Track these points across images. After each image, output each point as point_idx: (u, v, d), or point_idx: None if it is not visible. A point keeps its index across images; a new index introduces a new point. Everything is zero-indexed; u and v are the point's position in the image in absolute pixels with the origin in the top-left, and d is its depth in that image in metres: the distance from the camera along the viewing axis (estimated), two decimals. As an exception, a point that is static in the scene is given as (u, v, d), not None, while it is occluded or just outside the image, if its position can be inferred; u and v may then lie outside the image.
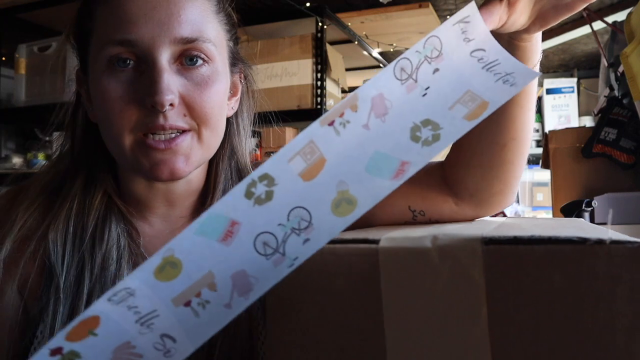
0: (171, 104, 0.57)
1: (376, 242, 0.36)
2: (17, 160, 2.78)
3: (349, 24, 2.92)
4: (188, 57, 0.60)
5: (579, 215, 1.93)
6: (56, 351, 0.35)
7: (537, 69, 0.56)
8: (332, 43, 2.73)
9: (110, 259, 0.63)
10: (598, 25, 2.83)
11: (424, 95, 0.39)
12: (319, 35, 2.38)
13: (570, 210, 1.97)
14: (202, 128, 0.61)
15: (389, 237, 0.36)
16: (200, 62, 0.60)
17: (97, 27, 0.60)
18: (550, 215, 2.95)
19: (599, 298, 0.31)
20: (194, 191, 0.70)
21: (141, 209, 0.68)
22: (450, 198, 0.64)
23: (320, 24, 2.38)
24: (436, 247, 0.34)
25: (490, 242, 0.33)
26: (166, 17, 0.58)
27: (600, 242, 0.31)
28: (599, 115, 2.41)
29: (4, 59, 2.81)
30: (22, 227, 0.64)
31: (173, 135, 0.59)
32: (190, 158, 0.61)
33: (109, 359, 0.36)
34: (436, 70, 0.40)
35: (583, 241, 0.31)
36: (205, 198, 0.70)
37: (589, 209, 1.94)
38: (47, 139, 2.78)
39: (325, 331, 0.37)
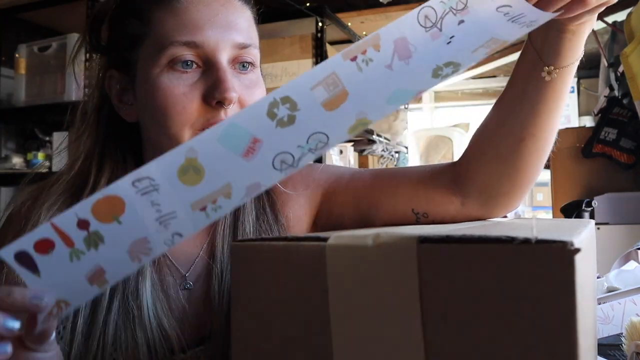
0: (233, 102, 0.63)
1: (325, 240, 0.38)
2: (17, 160, 2.78)
3: (349, 24, 2.92)
4: (241, 63, 0.65)
5: (579, 215, 1.93)
6: (83, 224, 0.39)
7: (577, 63, 0.57)
8: (332, 43, 2.73)
9: None
10: (598, 25, 2.83)
11: (449, 43, 0.42)
12: (319, 35, 2.38)
13: (570, 210, 1.97)
14: None
15: (338, 235, 0.39)
16: (249, 67, 0.66)
17: (155, 30, 0.63)
18: (550, 216, 2.95)
19: (523, 296, 0.31)
20: None
21: None
22: (456, 198, 0.64)
23: (320, 24, 2.38)
24: (376, 245, 0.36)
25: (425, 241, 0.34)
26: (226, 23, 0.63)
27: (526, 241, 0.31)
28: (599, 115, 2.41)
29: (4, 59, 2.82)
30: None
31: None
32: None
33: (126, 250, 0.41)
34: (461, 21, 0.42)
35: (510, 240, 0.32)
36: None
37: (589, 209, 1.94)
38: (47, 139, 2.78)
39: (280, 323, 0.40)
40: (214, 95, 0.61)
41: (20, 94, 2.62)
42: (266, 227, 0.70)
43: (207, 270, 0.69)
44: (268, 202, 0.73)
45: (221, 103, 0.61)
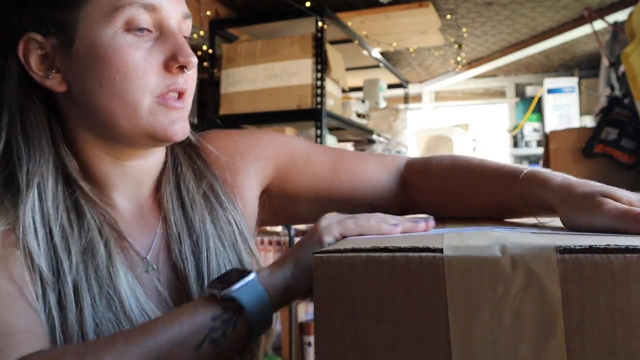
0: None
1: (439, 250, 0.34)
2: (16, 161, 2.77)
3: (349, 23, 2.91)
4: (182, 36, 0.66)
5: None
6: None
7: None
8: (332, 43, 2.73)
9: (96, 244, 0.60)
10: (599, 24, 2.83)
11: None
12: (319, 35, 2.38)
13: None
14: (189, 93, 0.66)
15: (450, 245, 0.35)
16: (186, 39, 0.67)
17: None
18: (551, 216, 2.94)
19: None
20: (159, 167, 0.70)
21: (106, 190, 0.66)
22: (407, 200, 0.76)
23: (320, 23, 2.37)
24: (507, 256, 0.33)
25: (565, 251, 0.32)
26: None
27: None
28: (600, 115, 2.40)
29: (3, 59, 2.80)
30: None
31: (180, 98, 0.64)
32: (188, 119, 0.66)
33: None
34: None
35: None
36: (162, 177, 0.70)
37: (590, 209, 1.93)
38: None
39: (382, 346, 0.35)
40: (177, 60, 0.61)
41: (20, 94, 2.61)
42: (214, 196, 0.70)
43: (167, 249, 0.66)
44: (207, 169, 0.71)
45: (182, 68, 0.62)
